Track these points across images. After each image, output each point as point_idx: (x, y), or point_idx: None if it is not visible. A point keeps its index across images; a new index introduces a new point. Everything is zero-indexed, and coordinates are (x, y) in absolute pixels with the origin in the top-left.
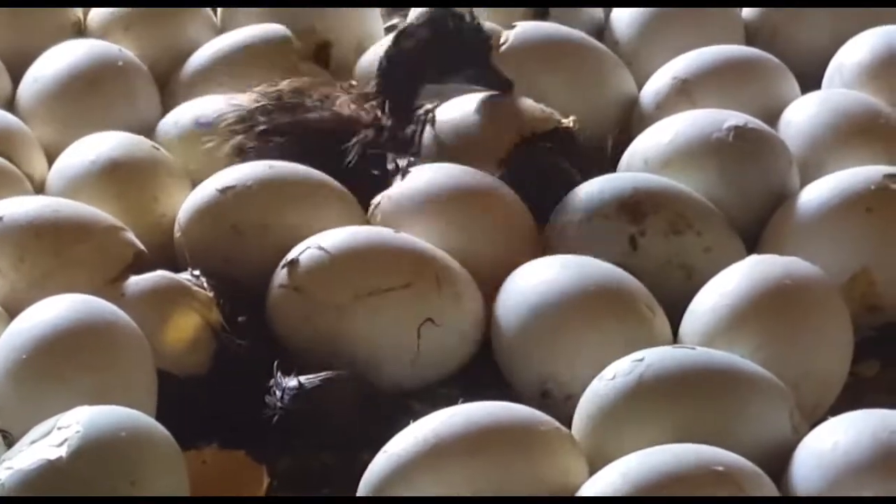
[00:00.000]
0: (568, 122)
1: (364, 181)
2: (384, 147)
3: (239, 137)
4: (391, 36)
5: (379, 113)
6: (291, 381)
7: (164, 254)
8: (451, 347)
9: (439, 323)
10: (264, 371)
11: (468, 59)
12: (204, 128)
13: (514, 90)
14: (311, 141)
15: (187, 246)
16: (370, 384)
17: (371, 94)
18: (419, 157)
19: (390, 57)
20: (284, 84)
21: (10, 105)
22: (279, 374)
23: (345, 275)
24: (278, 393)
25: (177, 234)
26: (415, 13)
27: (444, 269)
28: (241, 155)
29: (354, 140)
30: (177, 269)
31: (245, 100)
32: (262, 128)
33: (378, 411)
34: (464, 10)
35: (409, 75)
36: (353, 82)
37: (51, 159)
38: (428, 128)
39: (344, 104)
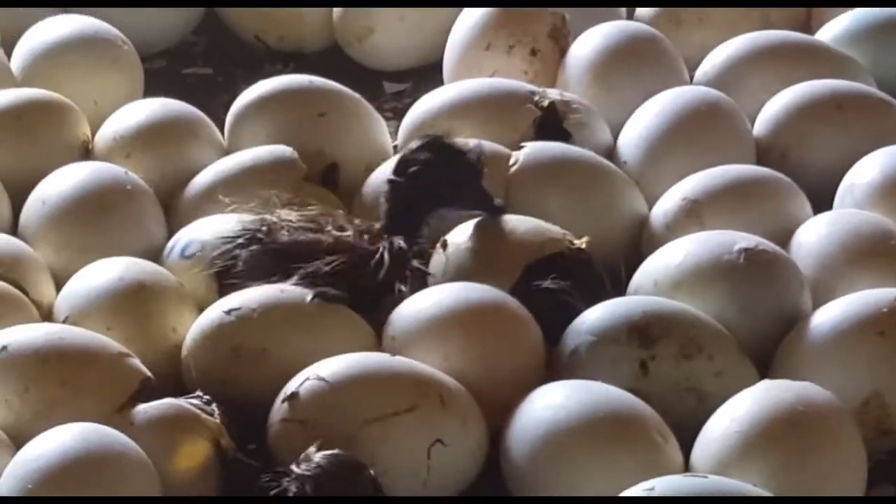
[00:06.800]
0: (580, 242)
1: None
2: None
3: (226, 258)
4: (394, 163)
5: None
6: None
7: (174, 381)
8: (460, 467)
9: (448, 443)
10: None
11: (462, 184)
12: (188, 259)
13: (505, 212)
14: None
15: (194, 368)
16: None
17: (379, 229)
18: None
19: (394, 188)
20: (278, 212)
21: (11, 229)
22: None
23: (348, 403)
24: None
25: (184, 354)
26: (413, 141)
27: (447, 389)
28: (225, 286)
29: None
30: (185, 393)
31: (232, 224)
32: (248, 250)
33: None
34: (452, 138)
35: (414, 204)
36: (357, 221)
37: (56, 283)
38: (440, 251)
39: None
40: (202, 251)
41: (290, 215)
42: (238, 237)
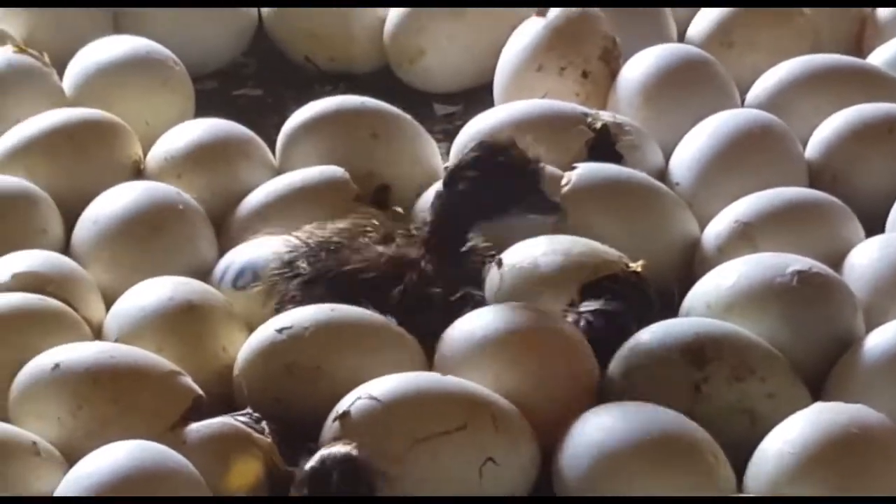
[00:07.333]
0: (636, 265)
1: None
2: (433, 286)
3: (281, 288)
4: (443, 178)
5: (425, 253)
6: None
7: (225, 401)
8: (511, 486)
9: (499, 463)
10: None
11: (519, 190)
12: (241, 288)
13: (563, 215)
14: (356, 288)
15: (246, 386)
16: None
17: (424, 237)
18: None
19: (443, 199)
20: (330, 227)
21: (63, 247)
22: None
23: (399, 422)
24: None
25: (236, 373)
26: (462, 151)
27: (498, 409)
28: (284, 304)
29: (401, 285)
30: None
31: (288, 244)
32: (303, 278)
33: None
34: (509, 140)
35: (463, 216)
36: (411, 228)
37: (107, 303)
38: (495, 270)
39: (389, 242)
40: (254, 283)
41: (328, 231)
42: (283, 270)
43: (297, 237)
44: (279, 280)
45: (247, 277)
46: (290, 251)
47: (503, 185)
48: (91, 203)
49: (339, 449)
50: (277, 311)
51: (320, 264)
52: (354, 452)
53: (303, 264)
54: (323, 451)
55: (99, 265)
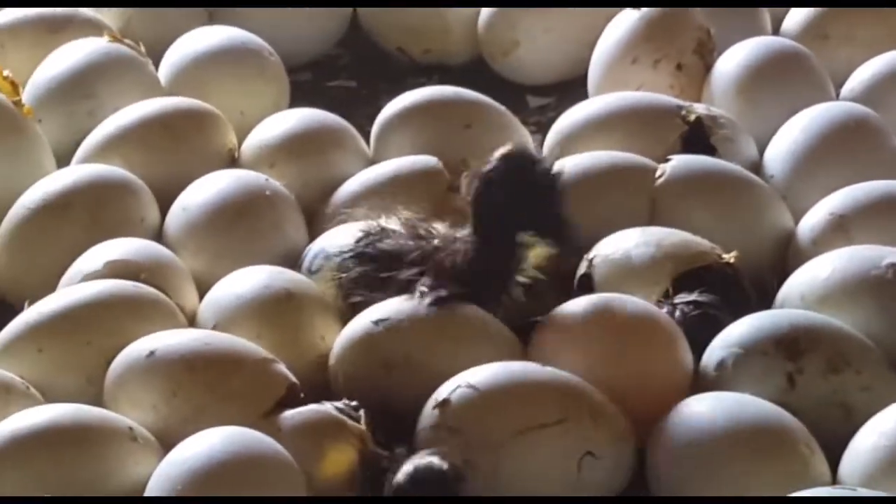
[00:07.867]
0: (729, 256)
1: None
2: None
3: (346, 269)
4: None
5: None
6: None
7: (322, 390)
8: (609, 479)
9: (597, 456)
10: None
11: (542, 207)
12: (314, 274)
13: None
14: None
15: (342, 377)
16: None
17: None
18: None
19: (482, 205)
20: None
21: (159, 235)
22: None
23: (498, 412)
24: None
25: (331, 363)
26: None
27: (597, 401)
28: (347, 299)
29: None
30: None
31: (363, 228)
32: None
33: None
34: (536, 154)
35: (501, 221)
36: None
37: (197, 289)
38: (585, 262)
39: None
40: (326, 264)
41: (396, 223)
42: (349, 251)
43: (374, 220)
44: (346, 261)
45: (319, 261)
46: (361, 235)
47: (527, 204)
48: (182, 192)
49: (426, 460)
50: (341, 288)
51: (385, 247)
52: (444, 466)
53: (373, 247)
54: (410, 464)
55: (187, 252)
